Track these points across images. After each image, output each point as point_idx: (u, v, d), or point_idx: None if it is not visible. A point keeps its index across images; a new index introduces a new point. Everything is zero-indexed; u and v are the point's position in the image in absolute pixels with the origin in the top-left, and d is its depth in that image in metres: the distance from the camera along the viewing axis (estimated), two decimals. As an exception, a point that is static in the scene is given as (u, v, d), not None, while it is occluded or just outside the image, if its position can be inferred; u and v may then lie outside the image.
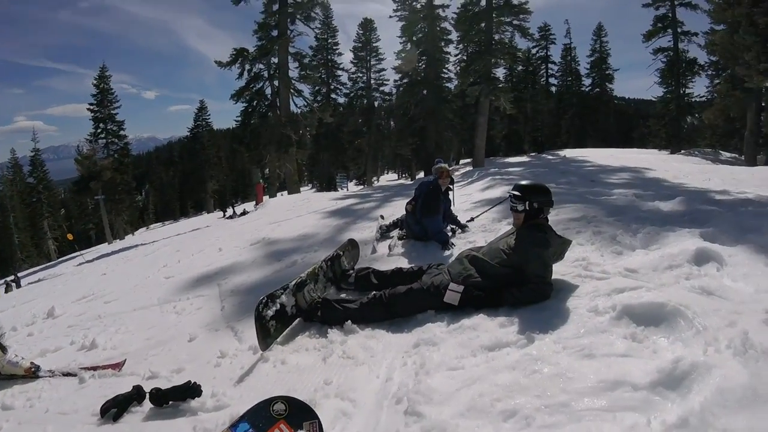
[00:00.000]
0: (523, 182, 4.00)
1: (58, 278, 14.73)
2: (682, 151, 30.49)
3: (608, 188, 8.94)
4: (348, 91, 43.66)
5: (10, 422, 3.21)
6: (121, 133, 42.81)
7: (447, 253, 5.42)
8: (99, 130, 41.68)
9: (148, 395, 3.04)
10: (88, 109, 41.82)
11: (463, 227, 6.27)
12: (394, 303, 3.76)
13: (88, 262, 18.86)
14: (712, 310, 2.76)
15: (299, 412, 2.42)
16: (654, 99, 38.00)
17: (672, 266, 3.62)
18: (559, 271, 3.80)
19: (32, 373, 3.90)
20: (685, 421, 1.95)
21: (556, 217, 5.54)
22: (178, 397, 2.98)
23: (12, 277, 23.03)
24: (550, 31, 46.74)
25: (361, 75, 43.42)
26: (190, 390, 2.97)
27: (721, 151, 30.07)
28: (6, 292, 17.89)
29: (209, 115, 56.78)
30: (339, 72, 43.37)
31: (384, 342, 3.44)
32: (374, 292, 3.96)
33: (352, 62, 43.43)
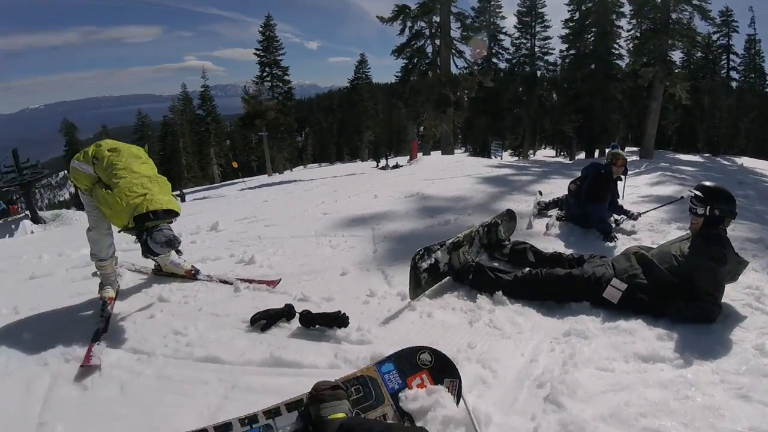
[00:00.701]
0: (707, 183, 3.63)
1: (222, 199, 15.94)
2: None
3: (791, 213, 7.93)
4: (510, 57, 41.61)
5: (164, 312, 3.64)
6: (285, 78, 45.45)
7: (609, 245, 5.12)
8: (265, 74, 44.58)
9: (298, 315, 3.30)
10: (254, 53, 44.87)
11: (631, 216, 5.83)
12: (550, 284, 3.65)
13: (249, 188, 20.36)
14: None
15: (443, 367, 2.45)
16: None
17: None
18: (729, 294, 3.47)
19: (191, 275, 4.33)
20: None
21: (731, 232, 5.02)
22: (326, 323, 3.20)
23: (178, 192, 25.55)
24: (733, 17, 40.91)
25: (524, 41, 41.04)
26: (339, 319, 3.18)
27: None
28: None
29: (369, 68, 58.30)
30: (501, 36, 41.12)
31: (533, 322, 3.38)
32: (529, 268, 3.90)
33: (515, 27, 41.16)
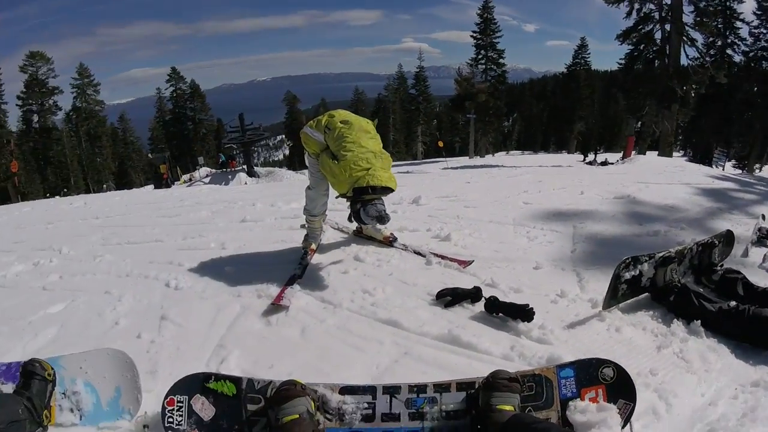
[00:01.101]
0: None
1: (426, 175, 16.46)
2: None
3: None
4: (747, 49, 35.43)
5: (357, 271, 4.01)
6: (500, 61, 45.57)
7: None
8: (480, 56, 45.09)
9: (484, 299, 3.37)
10: (471, 35, 45.62)
11: None
12: (755, 324, 3.24)
13: (452, 168, 20.80)
14: None
15: (622, 387, 2.38)
16: None
17: None
18: None
19: (389, 242, 4.67)
20: None
21: None
22: (510, 313, 3.21)
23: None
24: None
25: (764, 32, 34.79)
26: (525, 312, 3.17)
27: None
28: None
29: (589, 53, 55.63)
30: (738, 24, 34.83)
31: (724, 362, 3.07)
32: (736, 302, 3.48)
33: (755, 13, 34.71)
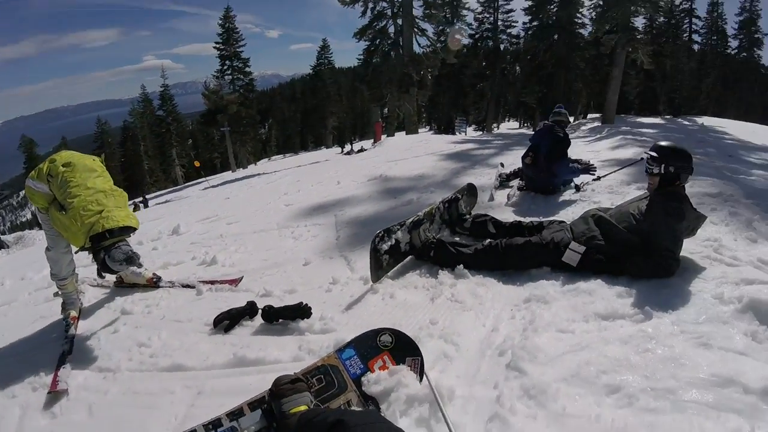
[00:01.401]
0: (663, 143, 3.67)
1: (184, 200, 15.79)
2: None
3: (747, 167, 8.15)
4: (473, 32, 41.11)
5: (127, 326, 3.53)
6: (246, 69, 44.64)
7: (570, 214, 5.13)
8: (225, 67, 43.76)
9: (260, 311, 3.24)
10: (214, 47, 43.97)
11: (589, 169, 6.05)
12: (509, 253, 3.68)
13: (212, 187, 20.15)
14: None
15: (404, 346, 2.45)
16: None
17: None
18: (688, 248, 3.53)
19: (153, 283, 4.22)
20: None
21: (690, 189, 5.08)
22: (288, 316, 3.15)
23: (140, 199, 25.22)
24: None
25: (488, 15, 40.82)
26: (301, 310, 3.14)
27: None
28: (134, 211, 19.63)
29: (331, 53, 57.99)
30: (464, 12, 39.59)
31: (494, 291, 3.41)
32: (490, 240, 3.91)
33: (478, 1, 40.66)
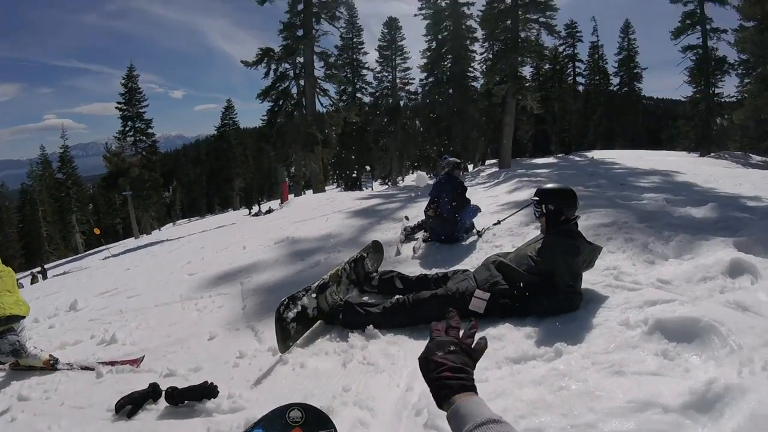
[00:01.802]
0: (543, 186, 3.90)
1: (84, 271, 14.91)
2: (712, 154, 29.71)
3: (638, 192, 8.67)
4: (373, 91, 43.72)
5: (25, 413, 3.23)
6: (149, 131, 43.39)
7: (474, 260, 5.26)
8: (127, 128, 42.33)
9: (163, 393, 3.03)
10: (116, 107, 42.57)
11: (479, 233, 6.20)
12: (417, 308, 3.64)
13: (114, 256, 19.14)
14: (747, 328, 2.60)
15: (316, 420, 2.28)
16: (683, 99, 37.06)
17: (706, 278, 3.46)
18: (589, 279, 3.66)
19: (51, 366, 3.91)
20: None
21: (585, 222, 5.40)
22: (193, 396, 2.96)
23: (39, 269, 23.50)
24: (577, 28, 46.35)
25: (386, 74, 43.53)
26: (207, 390, 2.95)
27: (751, 154, 29.10)
28: (32, 283, 18.24)
29: (236, 114, 57.61)
30: (364, 71, 43.48)
31: (406, 349, 3.34)
32: (398, 296, 3.87)
33: (377, 61, 43.61)
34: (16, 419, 3.16)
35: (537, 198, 3.77)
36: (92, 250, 37.75)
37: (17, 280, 3.34)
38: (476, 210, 6.19)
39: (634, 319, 2.92)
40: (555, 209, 3.67)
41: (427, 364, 1.06)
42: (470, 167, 36.18)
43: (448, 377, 1.02)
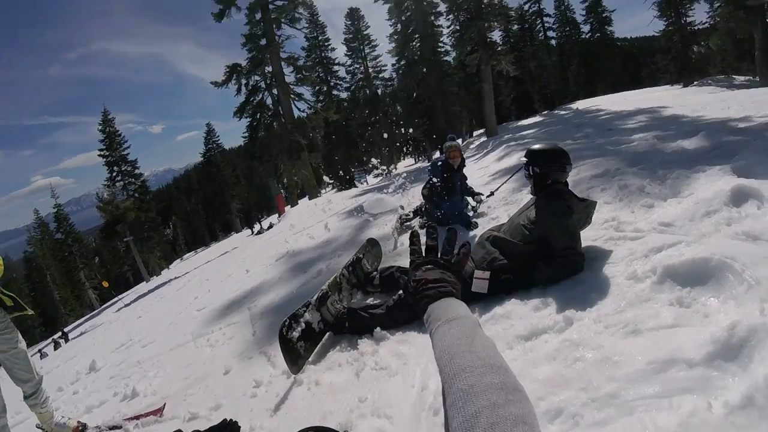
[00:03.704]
0: (533, 146, 3.72)
1: (98, 329, 14.95)
2: (695, 83, 29.57)
3: (627, 135, 8.54)
4: (348, 85, 43.09)
5: None
6: (136, 171, 42.93)
7: (471, 233, 5.19)
8: (114, 174, 41.90)
9: None
10: (99, 155, 42.21)
11: (478, 201, 6.07)
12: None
13: (126, 305, 19.12)
14: (761, 258, 2.44)
15: None
16: (657, 33, 36.83)
17: (709, 212, 3.31)
18: (589, 236, 3.54)
19: None
20: (750, 399, 1.68)
21: (576, 176, 5.28)
22: None
23: (59, 334, 23.39)
24: None
25: (357, 66, 42.91)
26: (228, 428, 2.91)
27: (734, 76, 28.88)
28: (55, 349, 18.12)
29: (218, 136, 57.00)
30: (336, 67, 42.68)
31: (416, 345, 3.24)
32: (399, 292, 3.74)
33: (346, 55, 42.97)
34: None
35: (525, 159, 3.64)
36: (107, 304, 37.78)
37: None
38: (460, 209, 5.84)
39: (641, 270, 2.79)
40: (540, 172, 3.55)
41: (411, 290, 0.98)
42: (459, 141, 36.01)
43: (426, 289, 0.95)
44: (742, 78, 27.90)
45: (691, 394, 1.83)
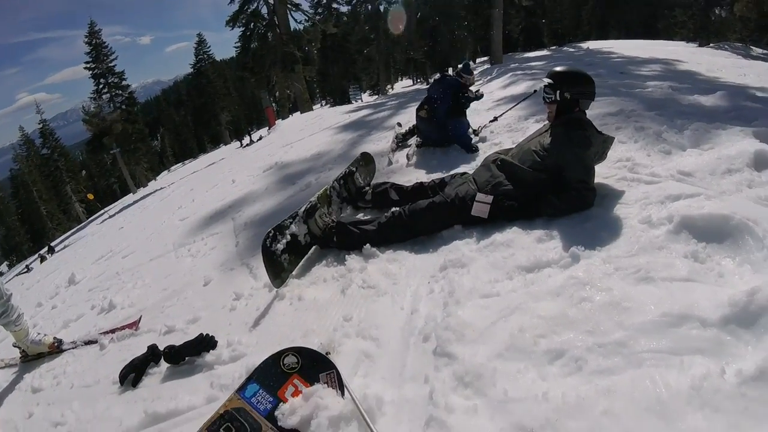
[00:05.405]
0: (558, 68, 3.39)
1: (81, 240, 14.85)
2: (711, 45, 28.44)
3: (641, 80, 8.16)
4: None
5: (40, 405, 3.17)
6: (124, 83, 41.79)
7: (476, 154, 5.04)
8: (101, 86, 40.77)
9: (162, 355, 2.91)
10: (85, 68, 40.88)
11: (477, 131, 5.77)
12: (415, 220, 3.36)
13: (110, 217, 18.98)
14: None
15: (313, 363, 2.13)
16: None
17: (731, 170, 3.05)
18: (601, 173, 3.30)
19: (56, 348, 3.87)
20: (764, 372, 1.54)
21: (590, 111, 5.00)
22: (192, 352, 2.83)
23: (45, 249, 23.29)
24: None
25: None
26: (204, 343, 2.85)
27: (752, 47, 27.95)
28: (41, 262, 18.02)
29: (209, 47, 54.61)
30: None
31: (407, 266, 3.09)
32: (393, 209, 3.55)
33: None
34: (34, 414, 3.09)
35: (551, 81, 3.28)
36: (93, 216, 37.74)
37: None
38: (465, 132, 5.55)
39: (656, 216, 2.61)
40: (571, 98, 3.23)
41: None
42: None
43: None
44: (760, 50, 26.95)
45: (704, 356, 1.70)
